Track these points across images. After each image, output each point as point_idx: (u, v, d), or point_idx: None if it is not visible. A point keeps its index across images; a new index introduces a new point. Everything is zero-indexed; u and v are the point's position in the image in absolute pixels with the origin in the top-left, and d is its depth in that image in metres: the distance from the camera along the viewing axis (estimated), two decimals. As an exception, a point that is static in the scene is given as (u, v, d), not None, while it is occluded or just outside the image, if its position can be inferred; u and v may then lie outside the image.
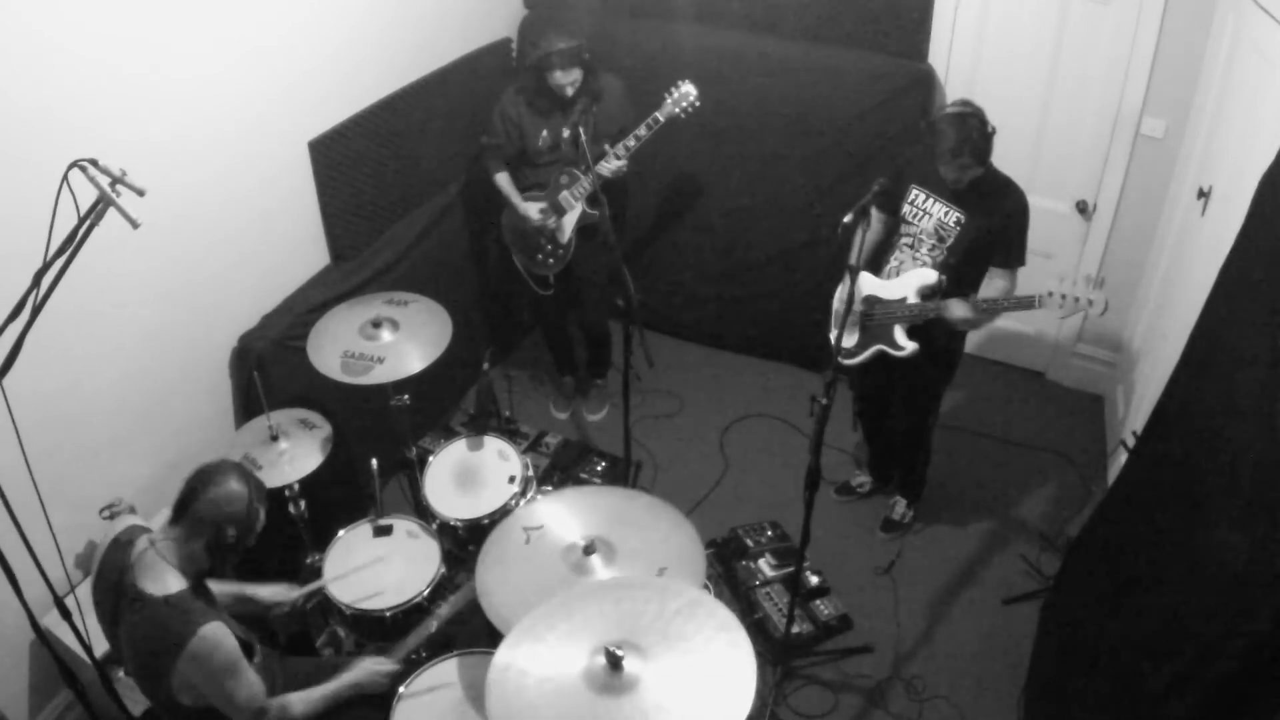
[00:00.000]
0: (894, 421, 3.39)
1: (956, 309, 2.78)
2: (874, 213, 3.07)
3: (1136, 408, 3.49)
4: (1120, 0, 3.37)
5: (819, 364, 4.13)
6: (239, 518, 2.02)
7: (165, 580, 1.97)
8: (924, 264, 2.91)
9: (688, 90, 3.31)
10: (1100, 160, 3.71)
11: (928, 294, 2.88)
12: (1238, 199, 2.32)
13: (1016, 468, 3.85)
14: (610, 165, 3.38)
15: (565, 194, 3.52)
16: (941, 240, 2.87)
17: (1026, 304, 2.72)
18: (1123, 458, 3.06)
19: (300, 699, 2.16)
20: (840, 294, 3.09)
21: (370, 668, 2.31)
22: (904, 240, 2.97)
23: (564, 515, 2.47)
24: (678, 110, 3.33)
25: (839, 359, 3.07)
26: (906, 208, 2.93)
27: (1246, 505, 1.88)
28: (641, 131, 3.35)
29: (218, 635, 1.95)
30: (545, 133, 3.47)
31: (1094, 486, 3.57)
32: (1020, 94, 3.63)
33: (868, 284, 3.02)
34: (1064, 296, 2.67)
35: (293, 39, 3.03)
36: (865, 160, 3.76)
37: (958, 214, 2.82)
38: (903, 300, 2.92)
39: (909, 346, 2.92)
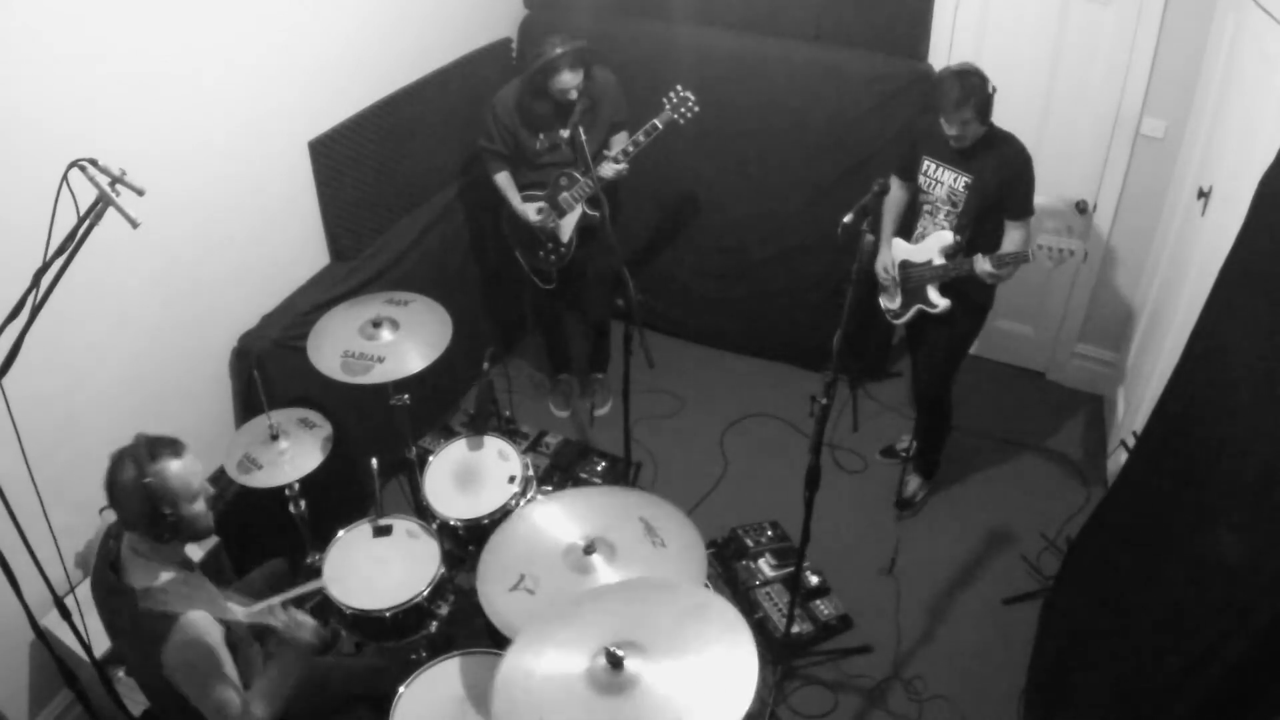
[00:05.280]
0: (917, 382, 3.51)
1: (981, 264, 2.96)
2: (896, 181, 3.31)
3: (1136, 408, 3.48)
4: (1120, 1, 3.37)
5: (819, 364, 4.13)
6: (144, 496, 1.94)
7: (146, 572, 2.00)
8: (943, 228, 3.13)
9: (686, 95, 3.32)
10: (1100, 160, 3.71)
11: (949, 253, 3.11)
12: (1238, 199, 2.32)
13: (1016, 468, 3.85)
14: (610, 169, 3.39)
15: (565, 195, 3.53)
16: (955, 205, 3.07)
17: (1021, 259, 2.90)
18: (1123, 458, 3.06)
19: (257, 693, 2.09)
20: (881, 262, 3.36)
21: (280, 618, 2.20)
22: (925, 208, 3.20)
23: (561, 516, 2.48)
24: (676, 116, 3.34)
25: (890, 320, 3.45)
26: (922, 178, 3.14)
27: (1248, 505, 1.87)
28: (640, 138, 3.36)
29: (199, 624, 1.94)
30: (542, 136, 3.47)
31: (1093, 486, 3.56)
32: (1020, 94, 3.62)
33: (901, 249, 3.28)
34: (1049, 248, 2.84)
35: (293, 39, 3.03)
36: (865, 160, 3.76)
37: (965, 178, 3.01)
38: (929, 262, 3.16)
39: (942, 304, 3.17)
